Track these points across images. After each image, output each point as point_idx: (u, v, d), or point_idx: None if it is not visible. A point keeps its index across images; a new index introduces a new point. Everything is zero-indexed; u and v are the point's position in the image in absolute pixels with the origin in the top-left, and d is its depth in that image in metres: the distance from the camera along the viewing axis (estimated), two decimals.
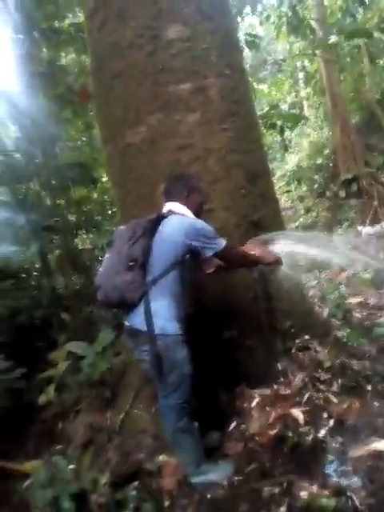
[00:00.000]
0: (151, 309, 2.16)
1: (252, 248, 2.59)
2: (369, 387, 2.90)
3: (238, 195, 2.91)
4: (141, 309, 2.18)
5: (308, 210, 11.47)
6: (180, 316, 2.27)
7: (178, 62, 2.78)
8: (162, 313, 2.19)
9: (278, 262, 2.60)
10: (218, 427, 2.79)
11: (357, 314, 4.02)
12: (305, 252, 2.72)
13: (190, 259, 2.31)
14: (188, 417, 2.31)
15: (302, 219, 10.97)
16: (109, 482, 2.42)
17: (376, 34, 6.46)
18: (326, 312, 3.85)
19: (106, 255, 2.36)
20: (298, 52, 11.85)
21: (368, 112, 10.82)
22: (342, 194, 8.72)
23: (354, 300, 4.30)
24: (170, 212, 2.39)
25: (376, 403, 2.75)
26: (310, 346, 3.25)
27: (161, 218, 2.34)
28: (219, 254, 2.32)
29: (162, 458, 2.66)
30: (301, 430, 2.60)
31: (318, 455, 2.43)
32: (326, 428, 2.61)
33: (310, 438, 2.54)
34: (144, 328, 2.15)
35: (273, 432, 2.64)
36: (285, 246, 2.68)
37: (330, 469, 2.33)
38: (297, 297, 3.53)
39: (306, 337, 3.28)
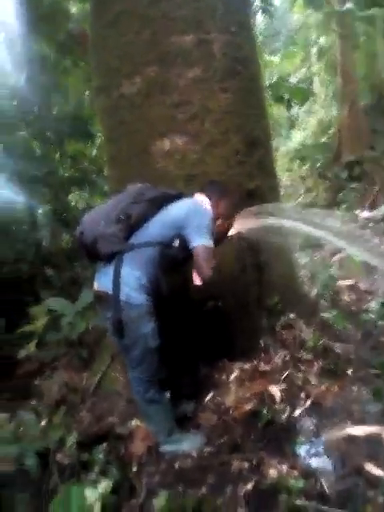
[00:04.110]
0: (121, 274, 2.03)
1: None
2: (349, 372, 2.84)
3: (234, 161, 2.76)
4: (111, 270, 2.06)
5: (308, 190, 11.28)
6: (149, 289, 2.11)
7: (181, 12, 2.58)
8: (130, 281, 2.05)
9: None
10: (193, 397, 2.73)
11: (346, 298, 3.93)
12: (300, 229, 2.59)
13: (178, 247, 2.11)
14: (156, 388, 2.22)
15: (301, 199, 10.80)
16: (76, 442, 2.35)
17: None
18: (314, 292, 3.76)
19: (107, 201, 2.24)
20: (312, 25, 11.44)
21: (378, 94, 10.53)
22: (344, 175, 8.54)
23: (344, 283, 4.20)
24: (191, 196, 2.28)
25: (354, 388, 2.69)
26: (295, 325, 3.18)
27: (178, 196, 2.23)
28: (198, 250, 2.06)
29: (134, 422, 2.60)
30: (276, 407, 2.55)
31: (291, 435, 2.38)
32: (302, 408, 2.55)
33: (284, 416, 2.49)
34: (110, 290, 2.03)
35: (248, 407, 2.59)
36: (278, 220, 2.54)
37: (302, 450, 2.27)
38: (287, 274, 3.44)
39: (292, 315, 3.21)
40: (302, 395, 2.65)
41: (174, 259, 2.18)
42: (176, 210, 2.14)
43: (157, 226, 2.11)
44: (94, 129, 4.98)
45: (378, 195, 7.40)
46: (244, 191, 2.79)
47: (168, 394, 2.35)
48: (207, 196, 2.28)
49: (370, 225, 5.89)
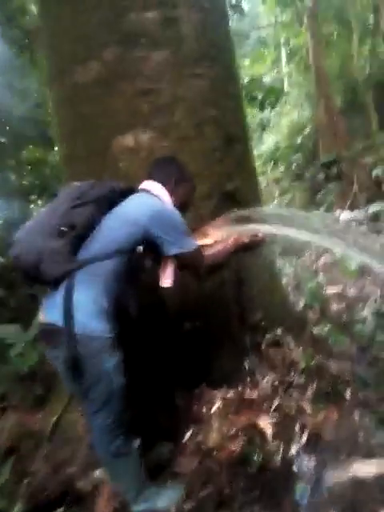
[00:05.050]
0: (73, 299, 1.61)
1: (219, 231, 2.09)
2: (348, 394, 2.50)
3: (212, 159, 2.38)
4: (59, 297, 1.62)
5: (283, 192, 11.08)
6: (111, 314, 1.70)
7: None
8: (85, 306, 1.62)
9: (258, 242, 2.08)
10: (169, 437, 2.33)
11: (334, 307, 3.61)
12: (285, 233, 2.21)
13: (141, 253, 1.74)
14: (123, 436, 1.79)
15: (276, 201, 10.57)
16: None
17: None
18: (301, 303, 3.42)
19: (41, 209, 1.79)
20: (283, 24, 11.27)
21: (351, 94, 10.44)
22: (322, 176, 8.30)
23: (331, 290, 3.88)
24: (144, 190, 1.85)
25: (356, 414, 2.35)
26: (283, 343, 2.84)
27: (129, 191, 1.81)
28: (183, 256, 1.77)
29: (98, 473, 2.18)
30: (268, 446, 2.17)
31: (288, 480, 2.01)
32: (299, 445, 2.18)
33: (278, 457, 2.12)
34: (61, 322, 1.59)
35: (234, 447, 2.22)
36: (262, 226, 2.17)
37: (302, 499, 1.91)
38: (270, 284, 3.10)
39: (279, 331, 2.88)
40: (297, 427, 2.29)
41: (139, 270, 1.78)
42: (133, 211, 1.73)
43: (112, 233, 1.69)
44: (53, 133, 4.54)
45: (356, 195, 7.18)
46: (223, 193, 2.43)
47: (137, 441, 1.92)
48: (161, 183, 1.89)
49: (353, 225, 5.64)
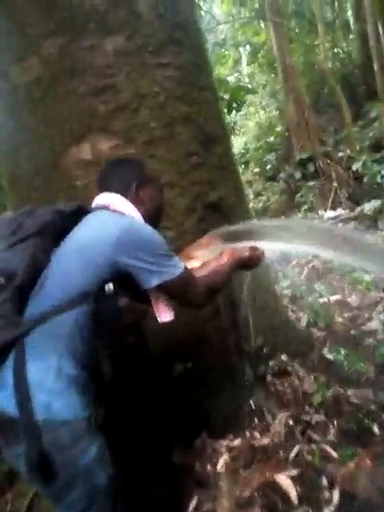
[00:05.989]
0: (28, 375, 1.15)
1: (207, 251, 1.67)
2: (376, 429, 2.10)
3: (189, 165, 1.95)
4: (8, 374, 1.16)
5: (257, 195, 10.74)
6: (83, 381, 1.24)
7: None
8: (46, 381, 1.16)
9: (258, 258, 1.66)
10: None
11: (338, 318, 3.21)
12: (286, 247, 1.80)
13: (113, 293, 1.29)
14: None
15: (251, 205, 10.23)
16: None
17: None
18: (303, 320, 3.01)
19: None
20: (241, 26, 11.04)
21: (316, 90, 10.32)
22: (298, 175, 7.98)
23: (332, 299, 3.50)
24: (101, 207, 1.40)
25: None
26: (290, 371, 2.45)
27: (81, 212, 1.35)
28: (170, 284, 1.31)
29: None
30: None
31: None
32: (331, 508, 1.75)
33: None
34: (13, 410, 1.13)
35: None
36: (259, 242, 1.75)
37: None
38: (268, 302, 2.72)
39: (284, 357, 2.51)
40: (325, 482, 1.87)
41: (113, 315, 1.34)
42: (92, 237, 1.27)
43: (68, 273, 1.24)
44: None
45: (337, 192, 6.88)
46: (206, 205, 2.01)
47: None
48: (119, 192, 1.46)
49: (339, 225, 5.31)
